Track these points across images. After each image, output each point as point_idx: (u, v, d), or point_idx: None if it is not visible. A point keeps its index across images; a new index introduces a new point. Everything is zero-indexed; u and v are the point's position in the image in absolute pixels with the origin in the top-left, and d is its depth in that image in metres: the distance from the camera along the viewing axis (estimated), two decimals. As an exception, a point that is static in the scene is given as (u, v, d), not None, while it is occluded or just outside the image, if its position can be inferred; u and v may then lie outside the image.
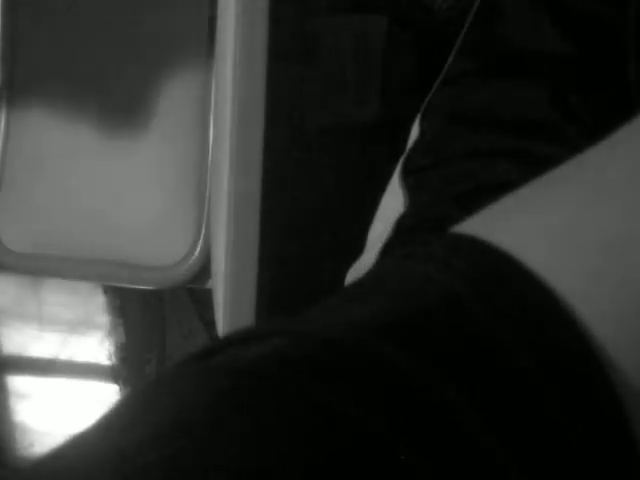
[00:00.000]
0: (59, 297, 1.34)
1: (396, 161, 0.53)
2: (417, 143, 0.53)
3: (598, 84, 0.49)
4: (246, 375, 0.22)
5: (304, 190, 0.85)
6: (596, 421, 0.22)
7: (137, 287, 0.96)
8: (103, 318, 1.31)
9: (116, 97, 0.91)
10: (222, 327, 0.78)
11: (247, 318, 0.76)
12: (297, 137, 0.84)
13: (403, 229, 0.49)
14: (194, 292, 1.17)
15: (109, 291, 1.28)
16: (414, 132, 0.54)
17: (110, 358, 1.32)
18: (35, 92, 0.93)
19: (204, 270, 0.89)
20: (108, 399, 1.33)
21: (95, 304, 1.31)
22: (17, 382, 1.39)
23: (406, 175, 0.52)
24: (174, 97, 0.90)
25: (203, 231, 0.88)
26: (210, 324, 0.96)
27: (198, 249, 0.89)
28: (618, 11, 0.49)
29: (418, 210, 0.49)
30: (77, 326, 1.34)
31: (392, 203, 0.51)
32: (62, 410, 1.36)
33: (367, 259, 0.51)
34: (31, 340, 1.35)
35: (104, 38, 0.91)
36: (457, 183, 0.48)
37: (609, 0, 0.50)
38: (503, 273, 0.24)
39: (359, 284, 0.26)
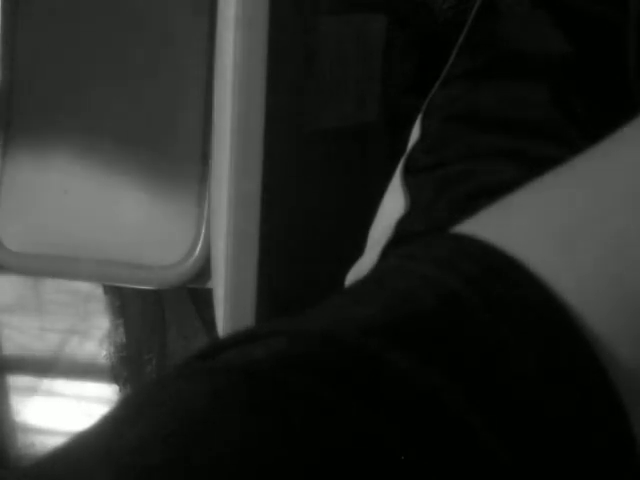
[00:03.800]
0: (59, 297, 1.34)
1: (396, 161, 0.53)
2: (418, 143, 0.53)
3: (598, 84, 0.49)
4: (246, 375, 0.22)
5: (304, 190, 0.85)
6: (595, 419, 0.22)
7: (137, 287, 0.96)
8: (103, 318, 1.31)
9: (116, 89, 0.91)
10: (222, 327, 0.78)
11: (247, 318, 0.76)
12: (297, 137, 0.84)
13: (404, 230, 0.49)
14: (194, 292, 1.17)
15: (109, 291, 1.28)
16: (415, 132, 0.54)
17: (110, 358, 1.32)
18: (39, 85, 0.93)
19: (204, 270, 0.89)
20: (108, 399, 1.33)
21: (95, 304, 1.31)
22: (17, 382, 1.39)
23: (407, 175, 0.51)
24: (174, 97, 0.90)
25: (203, 231, 0.88)
26: (210, 324, 0.96)
27: (198, 249, 0.89)
28: (618, 11, 0.49)
29: (419, 210, 0.49)
30: (77, 326, 1.34)
31: (393, 203, 0.51)
32: (62, 410, 1.36)
33: (367, 260, 0.51)
34: (31, 340, 1.35)
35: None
36: (458, 183, 0.48)
37: (609, 0, 0.50)
38: (503, 273, 0.24)
39: (360, 284, 0.26)
